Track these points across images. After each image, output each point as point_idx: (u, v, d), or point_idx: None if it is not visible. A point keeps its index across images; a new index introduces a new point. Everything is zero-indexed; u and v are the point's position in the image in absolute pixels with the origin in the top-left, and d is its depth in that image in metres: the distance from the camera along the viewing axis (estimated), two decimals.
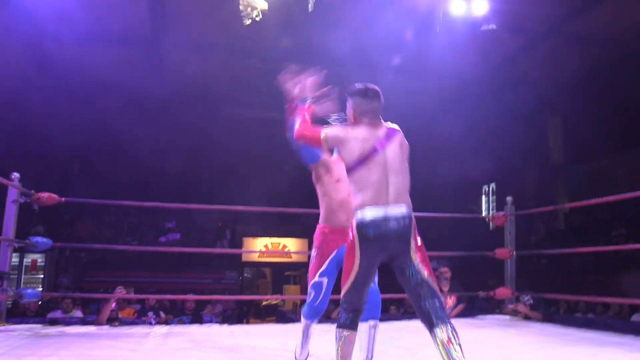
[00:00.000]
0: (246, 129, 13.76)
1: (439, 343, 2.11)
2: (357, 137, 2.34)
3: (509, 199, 5.64)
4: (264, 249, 14.86)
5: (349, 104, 2.46)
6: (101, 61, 10.72)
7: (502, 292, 5.40)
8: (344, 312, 2.33)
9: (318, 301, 2.80)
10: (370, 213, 2.24)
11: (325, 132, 2.40)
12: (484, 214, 15.85)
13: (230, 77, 12.30)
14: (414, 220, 2.30)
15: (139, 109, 12.08)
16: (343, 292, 2.34)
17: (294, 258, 14.66)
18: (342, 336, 2.30)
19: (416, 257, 2.24)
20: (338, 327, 2.33)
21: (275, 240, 14.98)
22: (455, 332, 2.13)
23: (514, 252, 5.48)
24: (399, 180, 2.31)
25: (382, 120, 2.43)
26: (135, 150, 12.73)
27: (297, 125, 2.50)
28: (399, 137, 2.39)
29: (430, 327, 2.16)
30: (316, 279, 2.80)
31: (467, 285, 5.96)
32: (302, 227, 13.75)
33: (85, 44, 9.87)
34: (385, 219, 2.23)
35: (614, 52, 10.95)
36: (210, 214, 14.12)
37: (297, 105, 2.60)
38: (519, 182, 14.57)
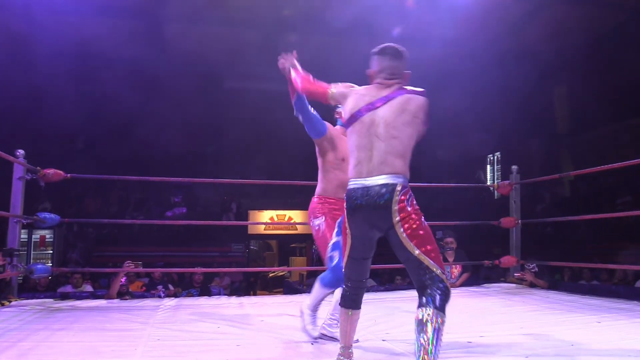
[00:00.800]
0: (249, 101, 13.67)
1: (416, 323, 1.95)
2: (357, 92, 2.29)
3: (514, 167, 5.63)
4: (269, 222, 14.94)
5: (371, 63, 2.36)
6: (101, 34, 10.61)
7: (508, 260, 5.44)
8: (346, 289, 2.29)
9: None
10: (353, 184, 2.16)
11: (334, 87, 2.40)
12: (489, 183, 15.85)
13: (231, 49, 12.18)
14: (400, 189, 2.07)
15: (140, 82, 12.01)
16: (343, 267, 2.30)
17: (300, 230, 14.74)
18: (347, 315, 2.27)
19: (402, 232, 2.04)
20: (341, 305, 2.30)
21: (280, 212, 15.04)
22: (437, 327, 1.90)
23: (519, 221, 5.49)
24: (387, 145, 2.12)
25: (401, 82, 2.27)
26: (138, 125, 12.70)
27: (298, 81, 2.54)
28: (403, 99, 2.18)
29: (419, 305, 1.99)
30: (334, 239, 2.74)
31: (472, 254, 6.00)
32: (308, 199, 13.77)
33: (85, 16, 9.76)
34: (364, 190, 2.10)
35: (618, 17, 10.75)
36: (216, 188, 14.17)
37: (290, 74, 2.65)
38: (524, 151, 14.52)
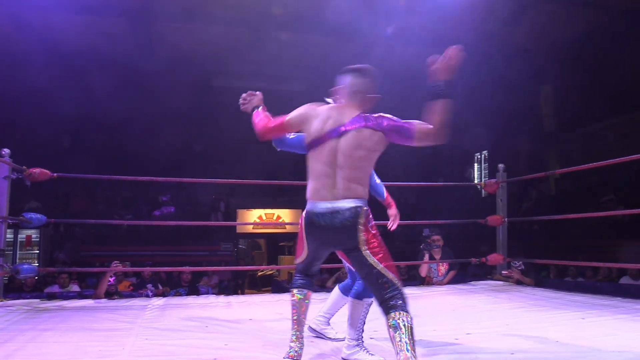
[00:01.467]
0: (237, 100, 13.63)
1: (391, 328, 2.02)
2: (320, 114, 2.27)
3: (500, 166, 5.68)
4: (258, 221, 14.93)
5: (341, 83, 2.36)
6: (89, 33, 10.51)
7: (494, 258, 5.49)
8: (296, 276, 2.44)
9: None
10: (316, 205, 2.22)
11: (289, 115, 2.37)
12: (476, 181, 15.97)
13: (221, 47, 12.12)
14: (363, 212, 2.18)
15: (128, 81, 11.92)
16: (297, 262, 2.43)
17: (289, 229, 14.75)
18: (296, 296, 2.38)
19: (367, 249, 2.15)
20: (292, 288, 2.43)
21: (269, 211, 15.03)
22: (409, 325, 2.00)
23: (506, 219, 5.55)
24: (348, 174, 2.18)
25: (365, 105, 2.30)
26: (126, 124, 12.61)
27: (257, 123, 2.49)
28: (360, 135, 2.20)
29: (386, 313, 2.07)
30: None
31: (459, 252, 6.05)
32: (296, 198, 13.80)
33: (73, 14, 9.66)
34: (331, 212, 2.18)
35: (605, 18, 10.86)
36: (204, 187, 14.13)
37: (252, 114, 2.58)
38: (510, 150, 14.63)
